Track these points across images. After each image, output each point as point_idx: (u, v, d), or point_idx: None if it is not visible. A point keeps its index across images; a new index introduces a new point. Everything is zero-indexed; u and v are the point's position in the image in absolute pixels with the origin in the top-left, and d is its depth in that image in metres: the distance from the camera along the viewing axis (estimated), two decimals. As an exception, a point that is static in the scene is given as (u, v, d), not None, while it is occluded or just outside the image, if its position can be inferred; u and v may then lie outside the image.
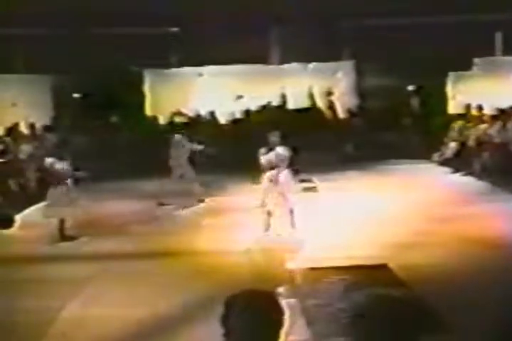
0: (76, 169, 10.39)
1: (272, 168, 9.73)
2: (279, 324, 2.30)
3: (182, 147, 12.77)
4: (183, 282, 7.65)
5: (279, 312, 2.32)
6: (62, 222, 10.15)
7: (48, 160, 10.25)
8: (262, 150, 9.78)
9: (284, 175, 9.75)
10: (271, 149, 9.71)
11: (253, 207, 10.10)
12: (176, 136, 12.99)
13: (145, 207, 12.41)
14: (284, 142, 9.84)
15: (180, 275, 7.92)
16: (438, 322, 5.99)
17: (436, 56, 18.26)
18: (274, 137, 9.74)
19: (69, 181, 10.24)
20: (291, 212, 9.76)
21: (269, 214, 9.82)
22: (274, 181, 9.69)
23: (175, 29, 20.72)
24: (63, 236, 10.09)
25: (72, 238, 10.05)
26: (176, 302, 6.95)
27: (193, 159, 12.97)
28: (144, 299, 7.11)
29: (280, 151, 9.72)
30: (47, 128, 17.44)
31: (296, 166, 10.25)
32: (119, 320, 6.50)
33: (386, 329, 2.33)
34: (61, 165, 10.12)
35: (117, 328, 6.32)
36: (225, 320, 2.31)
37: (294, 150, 10.09)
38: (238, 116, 19.56)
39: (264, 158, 9.72)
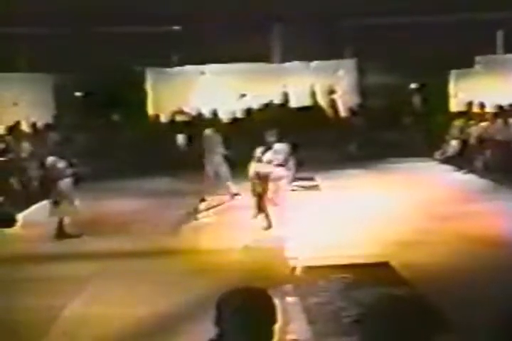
0: (77, 167, 10.39)
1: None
2: (273, 321, 2.28)
3: (216, 144, 12.66)
4: (184, 280, 7.65)
5: (273, 309, 2.30)
6: (61, 219, 10.16)
7: (50, 159, 10.25)
8: (259, 149, 9.74)
9: (278, 171, 9.70)
10: (269, 148, 9.67)
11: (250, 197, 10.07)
12: (207, 130, 12.94)
13: (146, 205, 12.42)
14: (282, 140, 9.80)
15: (181, 274, 7.92)
16: (440, 320, 5.99)
17: (437, 54, 18.25)
18: (270, 137, 9.69)
19: (71, 179, 10.25)
20: (282, 208, 9.74)
21: (265, 211, 9.81)
22: (266, 178, 9.64)
23: (177, 28, 20.72)
24: (63, 233, 10.10)
25: (73, 236, 10.05)
26: (177, 301, 6.95)
27: (227, 157, 12.84)
28: (144, 297, 7.12)
29: (278, 147, 9.67)
30: (49, 127, 17.48)
31: (298, 161, 10.20)
32: (120, 318, 6.50)
33: (389, 327, 2.33)
34: (63, 164, 10.13)
35: (118, 327, 6.32)
36: (218, 320, 2.28)
37: (294, 146, 10.05)
38: (240, 114, 19.55)
39: (262, 159, 9.65)
